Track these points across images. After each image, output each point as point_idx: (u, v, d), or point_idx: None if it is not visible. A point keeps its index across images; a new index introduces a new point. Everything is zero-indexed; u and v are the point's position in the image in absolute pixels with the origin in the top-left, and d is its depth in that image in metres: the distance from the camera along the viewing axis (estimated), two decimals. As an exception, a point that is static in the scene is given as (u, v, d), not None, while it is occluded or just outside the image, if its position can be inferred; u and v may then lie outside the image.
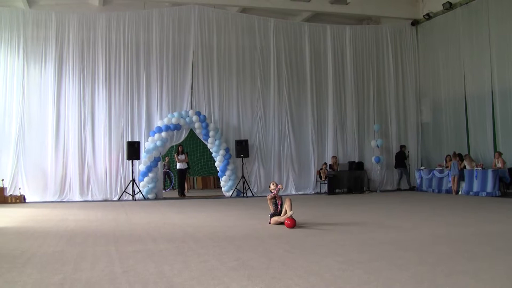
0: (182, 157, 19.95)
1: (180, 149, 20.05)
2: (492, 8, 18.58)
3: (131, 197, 18.29)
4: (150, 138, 18.82)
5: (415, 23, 22.62)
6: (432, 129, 22.01)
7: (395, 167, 21.71)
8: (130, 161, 18.58)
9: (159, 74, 19.63)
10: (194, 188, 25.64)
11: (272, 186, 10.64)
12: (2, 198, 17.11)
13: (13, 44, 18.52)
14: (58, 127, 18.61)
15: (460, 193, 18.30)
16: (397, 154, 21.71)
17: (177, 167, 20.15)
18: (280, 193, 10.75)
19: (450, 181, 18.81)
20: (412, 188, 21.57)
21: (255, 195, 19.55)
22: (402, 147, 21.78)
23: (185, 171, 20.27)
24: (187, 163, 20.27)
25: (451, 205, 14.82)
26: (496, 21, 18.49)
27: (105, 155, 18.90)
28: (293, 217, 9.78)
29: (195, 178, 26.01)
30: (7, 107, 18.27)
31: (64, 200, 18.16)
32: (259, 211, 12.96)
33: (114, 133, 19.08)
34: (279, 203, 10.44)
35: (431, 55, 22.04)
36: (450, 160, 19.07)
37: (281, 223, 9.98)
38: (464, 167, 18.33)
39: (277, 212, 10.36)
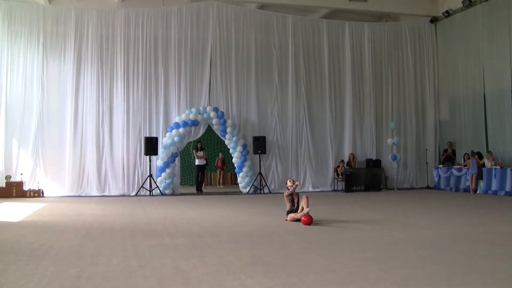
0: (200, 153, 20.00)
1: (199, 145, 20.10)
2: (513, 5, 18.39)
3: (148, 193, 18.37)
4: (167, 134, 18.87)
5: (434, 20, 22.42)
6: (450, 127, 21.81)
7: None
8: (148, 157, 18.66)
9: (177, 70, 19.68)
10: (211, 184, 25.68)
11: (289, 183, 10.64)
12: (20, 192, 17.30)
13: (33, 39, 18.69)
14: (77, 122, 18.75)
15: (478, 192, 18.14)
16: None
17: (196, 163, 20.20)
18: (297, 190, 10.73)
19: (468, 180, 18.65)
20: (430, 187, 21.43)
21: (272, 191, 19.53)
22: (448, 143, 21.47)
23: (203, 167, 20.32)
24: (205, 159, 20.30)
25: (469, 204, 14.70)
26: (517, 18, 18.30)
27: (123, 150, 19.00)
28: (309, 214, 9.77)
29: (212, 174, 26.05)
30: (26, 101, 18.44)
31: (81, 195, 18.29)
32: (275, 207, 12.95)
33: (132, 129, 19.17)
34: (295, 200, 10.43)
35: (450, 52, 21.83)
36: (469, 158, 18.92)
37: (298, 220, 9.97)
38: (483, 164, 18.19)
39: (293, 209, 10.35)
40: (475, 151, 18.82)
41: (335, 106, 21.38)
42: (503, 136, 18.62)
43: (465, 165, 19.16)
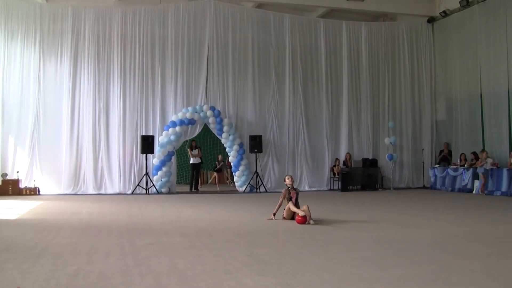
0: (195, 152, 19.98)
1: (193, 144, 20.08)
2: (510, 5, 18.33)
3: (144, 191, 18.36)
4: (164, 133, 18.86)
5: (431, 20, 22.45)
6: (447, 127, 21.83)
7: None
8: (144, 155, 18.65)
9: (174, 69, 19.67)
10: (207, 183, 25.64)
11: (287, 180, 10.60)
12: (16, 190, 17.28)
13: (30, 37, 18.67)
14: (73, 120, 18.74)
15: (474, 192, 18.15)
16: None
17: (190, 162, 20.18)
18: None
19: (464, 180, 18.64)
20: (426, 187, 21.45)
21: (268, 190, 19.53)
22: (444, 143, 21.49)
23: (198, 165, 20.29)
24: (200, 157, 20.28)
25: (465, 204, 14.71)
26: (514, 18, 18.32)
27: (119, 149, 18.98)
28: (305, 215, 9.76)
29: (208, 173, 26.02)
30: (23, 99, 18.42)
31: (78, 193, 18.28)
32: (272, 206, 12.86)
33: (129, 127, 19.16)
34: (293, 197, 10.36)
35: (447, 52, 21.85)
36: (465, 158, 18.98)
37: (292, 218, 9.99)
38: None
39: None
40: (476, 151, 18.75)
41: (331, 105, 21.40)
42: (500, 137, 18.66)
43: (461, 165, 19.19)
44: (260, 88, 20.65)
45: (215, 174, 22.89)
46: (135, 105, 19.29)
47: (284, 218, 10.33)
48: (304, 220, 9.66)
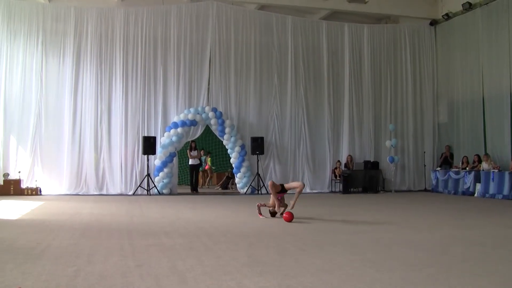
0: (194, 153, 19.99)
1: (193, 145, 20.08)
2: (512, 9, 18.38)
3: (146, 192, 18.37)
4: (166, 134, 18.87)
5: (433, 23, 22.40)
6: (449, 130, 21.79)
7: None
8: (146, 156, 18.65)
9: (176, 70, 19.65)
10: (209, 183, 25.62)
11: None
12: (18, 190, 17.29)
13: (32, 37, 18.66)
14: (75, 121, 18.72)
15: (475, 195, 18.14)
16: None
17: (189, 163, 20.19)
18: (290, 192, 11.03)
19: (466, 183, 18.64)
20: (427, 189, 21.41)
21: (269, 192, 19.44)
22: (446, 146, 21.46)
23: (197, 167, 20.27)
24: (199, 159, 20.27)
25: (466, 207, 14.69)
26: (516, 21, 18.29)
27: (121, 150, 18.96)
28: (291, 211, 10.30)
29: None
30: (25, 99, 18.40)
31: (79, 194, 18.27)
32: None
33: (130, 128, 19.14)
34: (280, 197, 11.12)
35: (450, 55, 21.81)
36: (467, 161, 18.97)
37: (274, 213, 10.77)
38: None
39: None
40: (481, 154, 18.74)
41: (333, 107, 21.35)
42: (502, 140, 18.60)
43: (463, 168, 19.18)
44: (262, 89, 20.63)
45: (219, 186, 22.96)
46: (137, 106, 19.27)
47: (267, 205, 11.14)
48: (290, 217, 10.09)
